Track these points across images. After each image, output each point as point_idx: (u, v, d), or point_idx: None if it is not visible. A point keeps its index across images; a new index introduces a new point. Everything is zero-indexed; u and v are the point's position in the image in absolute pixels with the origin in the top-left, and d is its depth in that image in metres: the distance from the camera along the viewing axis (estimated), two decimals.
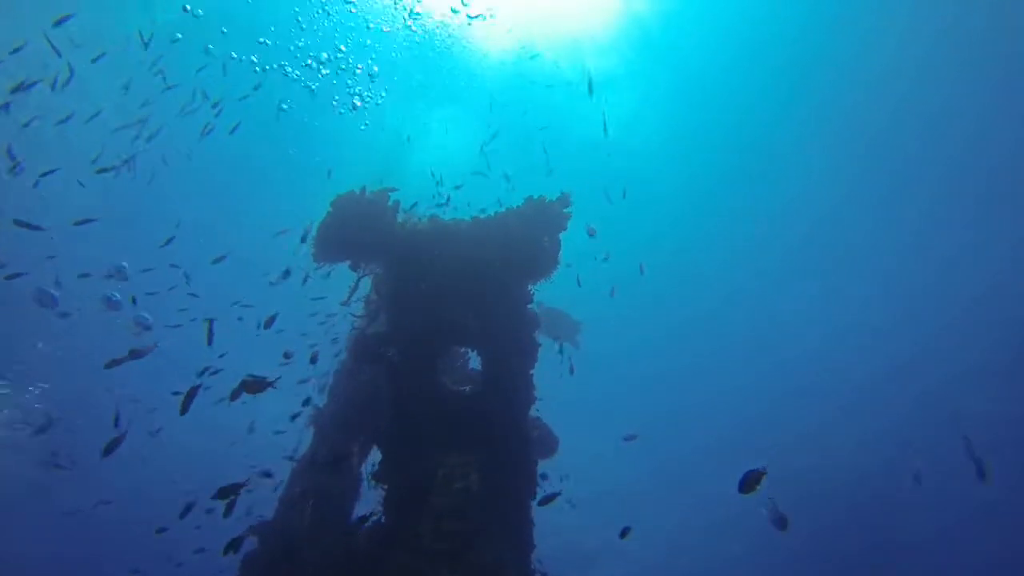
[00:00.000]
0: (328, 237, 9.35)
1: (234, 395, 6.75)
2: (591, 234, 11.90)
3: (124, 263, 20.72)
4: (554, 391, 11.08)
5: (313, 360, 9.57)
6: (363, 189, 9.75)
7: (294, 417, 10.24)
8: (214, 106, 17.36)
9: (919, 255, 27.19)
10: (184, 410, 6.76)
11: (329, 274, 10.17)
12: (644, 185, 26.46)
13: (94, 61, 15.21)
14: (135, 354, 6.86)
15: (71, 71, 14.59)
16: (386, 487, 8.16)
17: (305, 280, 10.80)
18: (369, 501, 8.83)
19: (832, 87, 23.99)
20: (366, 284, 10.04)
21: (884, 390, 30.40)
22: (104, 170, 16.64)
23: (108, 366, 6.82)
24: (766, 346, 32.15)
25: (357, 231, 9.33)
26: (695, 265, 30.48)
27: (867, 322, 29.97)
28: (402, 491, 7.95)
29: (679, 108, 24.64)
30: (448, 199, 11.44)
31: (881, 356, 30.10)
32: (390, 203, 9.83)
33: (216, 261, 13.32)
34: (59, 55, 14.15)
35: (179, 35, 18.33)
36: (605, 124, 11.74)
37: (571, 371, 16.32)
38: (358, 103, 19.47)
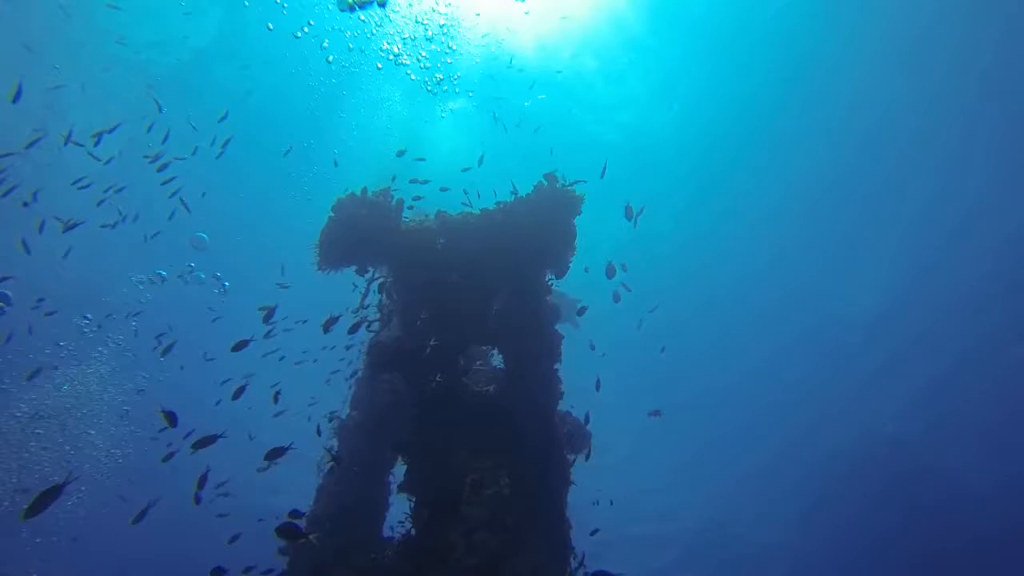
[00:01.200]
0: (332, 242, 8.95)
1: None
2: (614, 272, 11.19)
3: (203, 234, 22.05)
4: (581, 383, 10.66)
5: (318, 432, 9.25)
6: (364, 190, 9.35)
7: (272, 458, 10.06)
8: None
9: (949, 215, 26.18)
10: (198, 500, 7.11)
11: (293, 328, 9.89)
12: (649, 167, 26.07)
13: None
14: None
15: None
16: (414, 498, 7.80)
17: (267, 334, 10.39)
18: (398, 513, 8.53)
19: (831, 77, 23.56)
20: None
21: (918, 358, 29.56)
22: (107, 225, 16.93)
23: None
24: (792, 322, 31.45)
25: (362, 233, 8.93)
26: (710, 242, 29.84)
27: (896, 288, 29.11)
28: (431, 501, 7.58)
29: (680, 89, 24.16)
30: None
31: (914, 323, 29.25)
32: (394, 202, 9.43)
33: None
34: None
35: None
36: (604, 170, 10.95)
37: (592, 347, 15.83)
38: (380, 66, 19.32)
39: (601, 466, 10.58)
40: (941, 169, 24.61)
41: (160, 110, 18.40)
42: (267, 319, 9.82)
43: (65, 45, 21.28)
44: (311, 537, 6.28)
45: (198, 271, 23.21)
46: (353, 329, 8.96)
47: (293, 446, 7.02)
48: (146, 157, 15.79)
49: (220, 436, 7.12)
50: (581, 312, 12.25)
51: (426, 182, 10.02)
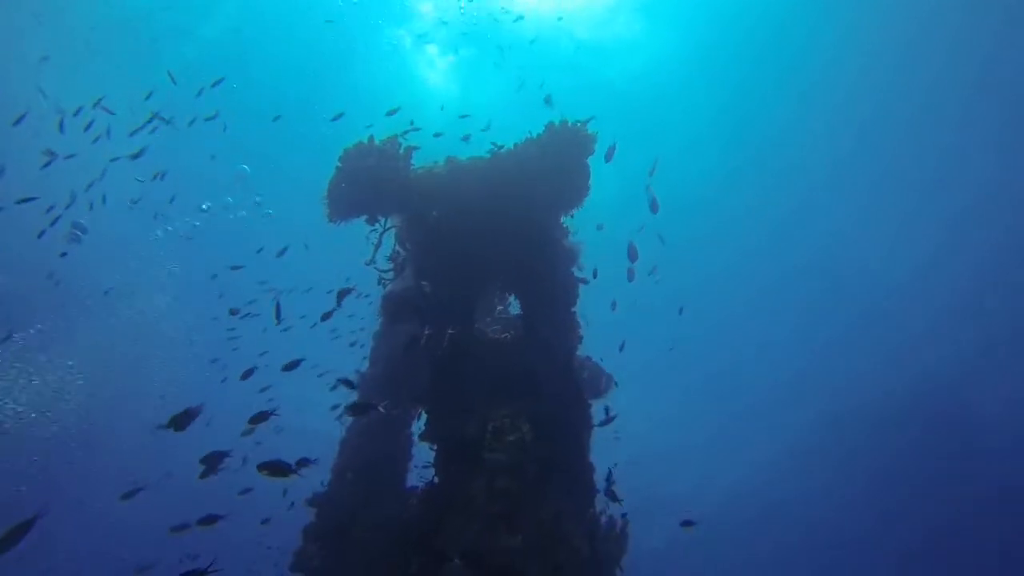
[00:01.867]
0: (340, 193, 8.72)
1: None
2: (636, 255, 10.56)
3: (245, 166, 22.70)
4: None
5: (349, 383, 9.07)
6: (371, 139, 9.05)
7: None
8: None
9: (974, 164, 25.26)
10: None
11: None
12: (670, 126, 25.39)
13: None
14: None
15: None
16: (435, 447, 7.75)
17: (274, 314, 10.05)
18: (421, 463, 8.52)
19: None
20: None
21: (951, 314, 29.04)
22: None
23: None
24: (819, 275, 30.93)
25: (370, 183, 8.68)
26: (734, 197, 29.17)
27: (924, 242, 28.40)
28: (452, 450, 7.52)
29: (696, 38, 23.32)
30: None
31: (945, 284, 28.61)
32: (402, 150, 9.13)
33: None
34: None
35: None
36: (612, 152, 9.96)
37: (614, 307, 15.51)
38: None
39: (623, 435, 10.42)
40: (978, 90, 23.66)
41: (173, 81, 17.88)
42: (340, 300, 9.39)
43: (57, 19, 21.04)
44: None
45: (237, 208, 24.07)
46: (341, 296, 8.69)
47: (277, 412, 6.96)
48: (148, 126, 15.52)
49: (272, 413, 6.94)
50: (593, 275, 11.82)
51: (417, 129, 9.62)
